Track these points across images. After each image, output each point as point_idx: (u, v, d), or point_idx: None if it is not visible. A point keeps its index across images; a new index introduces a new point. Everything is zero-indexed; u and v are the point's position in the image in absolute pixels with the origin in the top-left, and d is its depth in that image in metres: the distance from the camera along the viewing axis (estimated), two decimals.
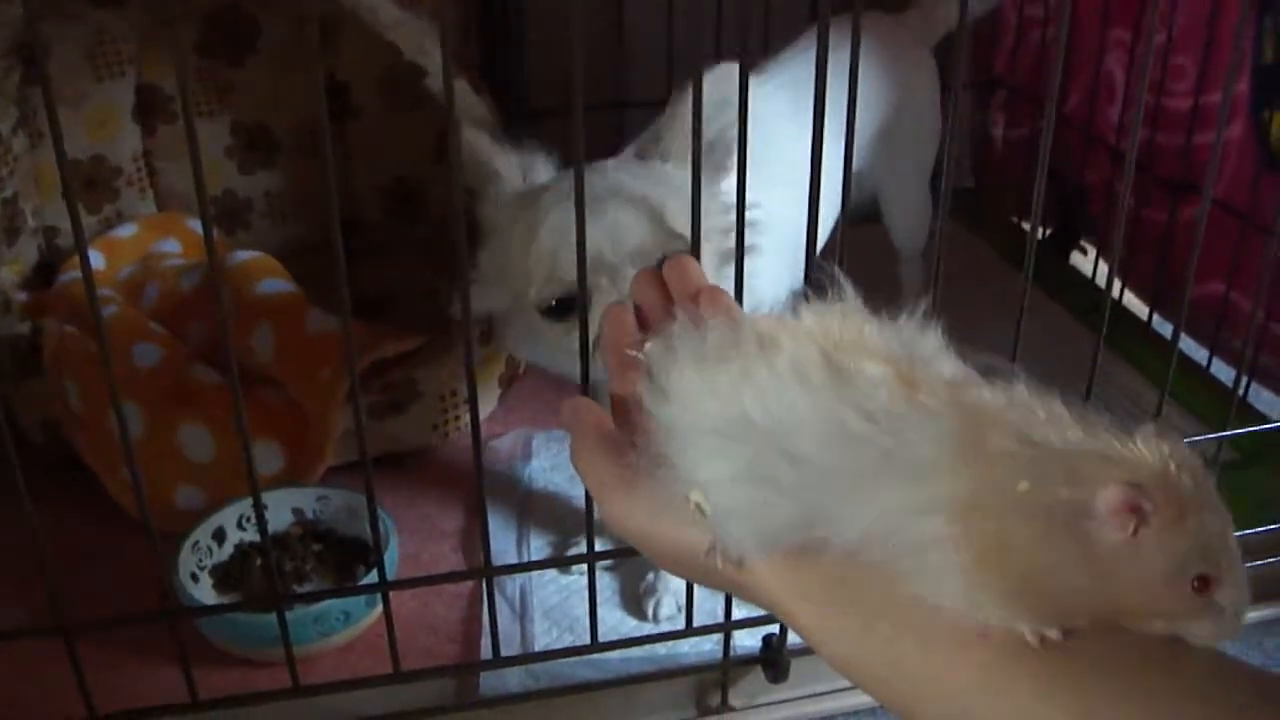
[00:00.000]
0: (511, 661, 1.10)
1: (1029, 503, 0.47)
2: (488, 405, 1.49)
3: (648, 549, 0.63)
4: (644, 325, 0.68)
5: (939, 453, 0.48)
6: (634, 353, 0.61)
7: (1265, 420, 1.45)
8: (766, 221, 0.99)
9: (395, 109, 1.72)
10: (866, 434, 0.50)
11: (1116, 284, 1.73)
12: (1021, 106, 1.92)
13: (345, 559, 1.24)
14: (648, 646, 1.14)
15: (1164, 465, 0.46)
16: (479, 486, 0.99)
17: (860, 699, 1.14)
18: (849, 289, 0.58)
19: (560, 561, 1.19)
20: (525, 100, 1.71)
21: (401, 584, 1.05)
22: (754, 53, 1.11)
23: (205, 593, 1.19)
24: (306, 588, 1.22)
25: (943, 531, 0.47)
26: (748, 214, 0.89)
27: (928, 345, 0.55)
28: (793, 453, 0.51)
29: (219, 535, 1.24)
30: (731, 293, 0.74)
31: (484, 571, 1.03)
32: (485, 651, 1.14)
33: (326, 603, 1.12)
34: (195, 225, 1.63)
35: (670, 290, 0.69)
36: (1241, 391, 1.43)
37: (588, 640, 1.10)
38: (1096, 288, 1.80)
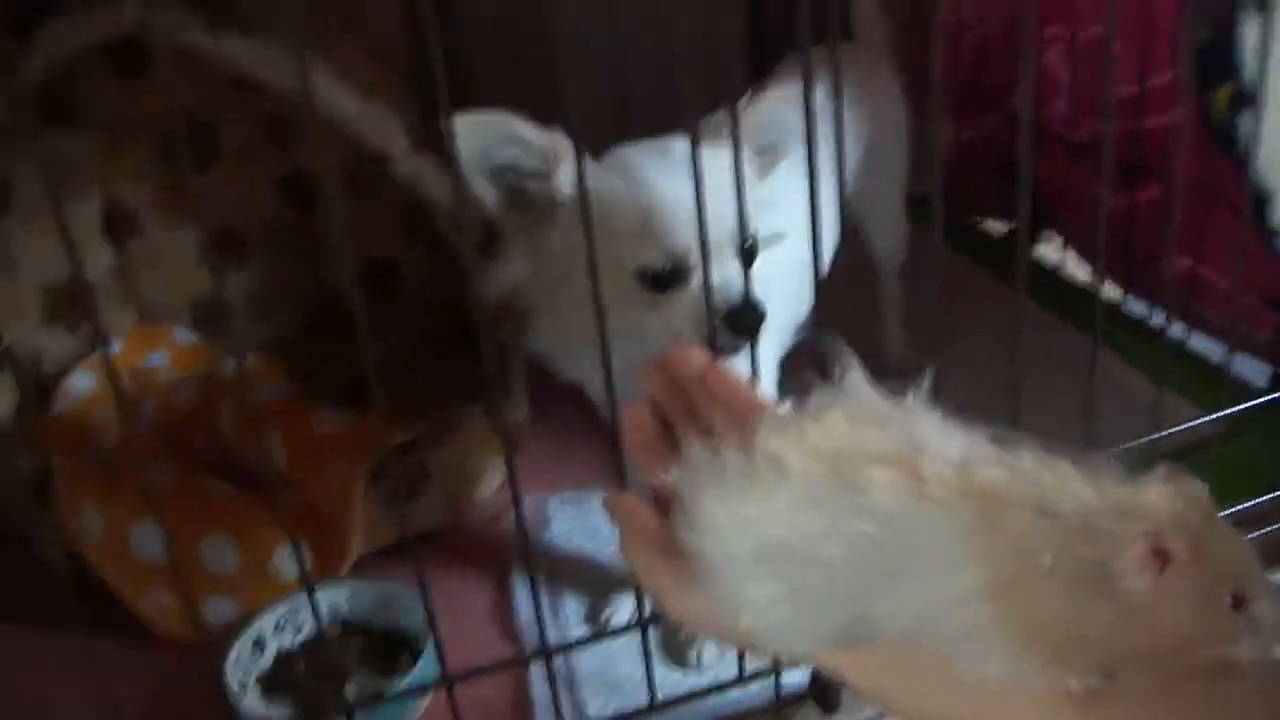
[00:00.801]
0: None
1: (1056, 573, 0.49)
2: (497, 476, 1.51)
3: (715, 635, 0.66)
4: (660, 418, 0.70)
5: (960, 543, 0.51)
6: (662, 478, 0.62)
7: (1248, 388, 1.50)
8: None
9: (361, 196, 1.74)
10: (886, 537, 0.52)
11: (1089, 272, 1.79)
12: (967, 107, 1.96)
13: (387, 650, 1.26)
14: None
15: (1173, 508, 0.49)
16: (528, 559, 1.02)
17: None
18: (854, 370, 0.61)
19: (614, 632, 1.20)
20: None
21: (463, 676, 1.06)
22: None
23: (254, 703, 1.20)
24: (353, 686, 1.23)
25: (981, 616, 0.50)
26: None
27: (929, 429, 0.56)
28: (824, 567, 0.53)
29: (259, 644, 1.25)
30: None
31: (544, 652, 1.05)
32: None
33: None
34: (182, 336, 1.65)
35: (679, 378, 0.71)
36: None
37: (640, 702, 1.12)
38: (1060, 277, 1.85)
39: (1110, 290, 1.72)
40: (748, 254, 1.06)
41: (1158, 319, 1.65)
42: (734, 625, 0.59)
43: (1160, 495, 0.50)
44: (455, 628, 1.29)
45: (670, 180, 1.03)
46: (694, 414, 0.69)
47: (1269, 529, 1.14)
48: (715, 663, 1.24)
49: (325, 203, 1.74)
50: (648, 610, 1.09)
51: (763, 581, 0.56)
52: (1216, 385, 1.42)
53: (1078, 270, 1.86)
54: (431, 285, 1.74)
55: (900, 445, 0.55)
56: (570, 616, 1.34)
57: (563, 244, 1.06)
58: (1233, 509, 1.25)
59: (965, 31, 1.92)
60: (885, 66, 1.54)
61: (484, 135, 1.03)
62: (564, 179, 1.06)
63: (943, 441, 0.55)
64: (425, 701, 1.18)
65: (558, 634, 1.31)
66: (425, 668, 1.17)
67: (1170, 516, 0.49)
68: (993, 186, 1.91)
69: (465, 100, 1.77)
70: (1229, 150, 1.46)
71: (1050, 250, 1.91)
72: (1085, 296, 1.69)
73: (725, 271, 1.03)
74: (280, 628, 1.26)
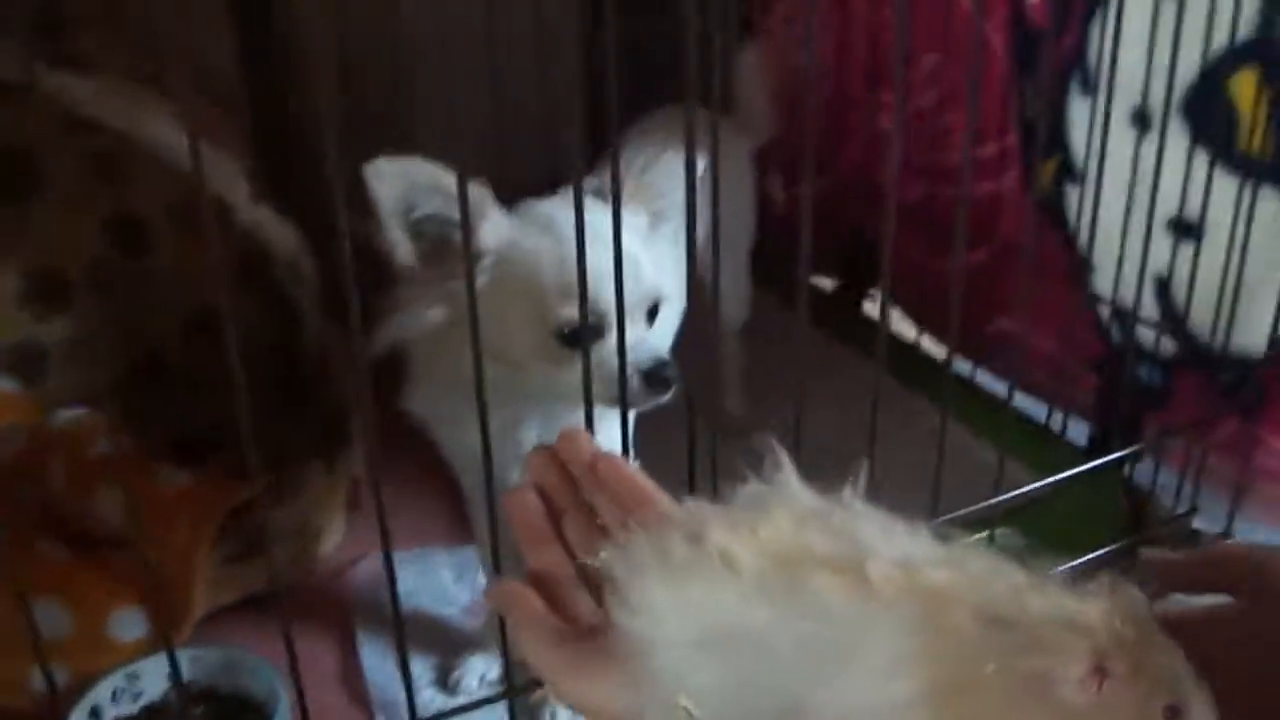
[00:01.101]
0: None
1: (999, 680, 0.50)
2: (336, 534, 1.48)
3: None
4: (547, 505, 0.69)
5: (904, 641, 0.51)
6: (591, 561, 0.62)
7: (1070, 446, 1.58)
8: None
9: (191, 239, 1.69)
10: (832, 636, 0.52)
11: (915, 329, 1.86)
12: (799, 165, 2.01)
13: (233, 717, 1.21)
14: None
15: (1114, 624, 0.51)
16: (399, 636, 1.00)
17: None
18: (786, 466, 0.60)
19: (482, 702, 1.16)
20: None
21: None
22: None
23: None
24: None
25: (919, 718, 0.51)
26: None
27: (872, 529, 0.57)
28: (769, 658, 0.54)
29: (96, 713, 1.19)
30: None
31: None
32: None
33: None
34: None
35: (566, 463, 0.70)
36: (1045, 422, 1.57)
37: None
38: (891, 334, 1.91)
39: (938, 349, 1.78)
40: (651, 314, 1.09)
41: (984, 379, 1.72)
42: (657, 711, 0.58)
43: (1101, 610, 0.51)
44: (309, 694, 1.27)
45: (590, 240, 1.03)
46: (581, 503, 0.68)
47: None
48: None
49: (155, 247, 1.69)
50: (516, 679, 1.08)
51: (705, 669, 0.55)
52: (1039, 441, 1.49)
53: (904, 327, 1.93)
54: (264, 337, 1.70)
55: (846, 548, 0.55)
56: (419, 677, 1.32)
57: (481, 295, 1.05)
58: (1068, 564, 1.31)
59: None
60: (735, 132, 1.57)
61: (405, 182, 1.01)
62: (487, 231, 1.05)
63: (886, 542, 0.56)
64: None
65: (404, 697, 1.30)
66: None
67: (1111, 633, 0.51)
68: (822, 244, 1.97)
69: (304, 151, 1.75)
70: (1054, 220, 1.53)
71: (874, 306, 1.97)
72: (912, 354, 1.77)
73: (638, 330, 1.07)
74: (117, 697, 1.21)
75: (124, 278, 1.66)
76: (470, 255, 0.86)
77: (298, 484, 1.39)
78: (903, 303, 1.87)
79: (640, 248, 1.10)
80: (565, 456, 0.70)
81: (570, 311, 1.03)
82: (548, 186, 1.19)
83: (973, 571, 0.53)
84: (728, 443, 0.99)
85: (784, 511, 0.57)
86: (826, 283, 2.13)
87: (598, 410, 0.98)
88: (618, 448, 1.10)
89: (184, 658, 1.24)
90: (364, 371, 0.90)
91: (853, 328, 1.89)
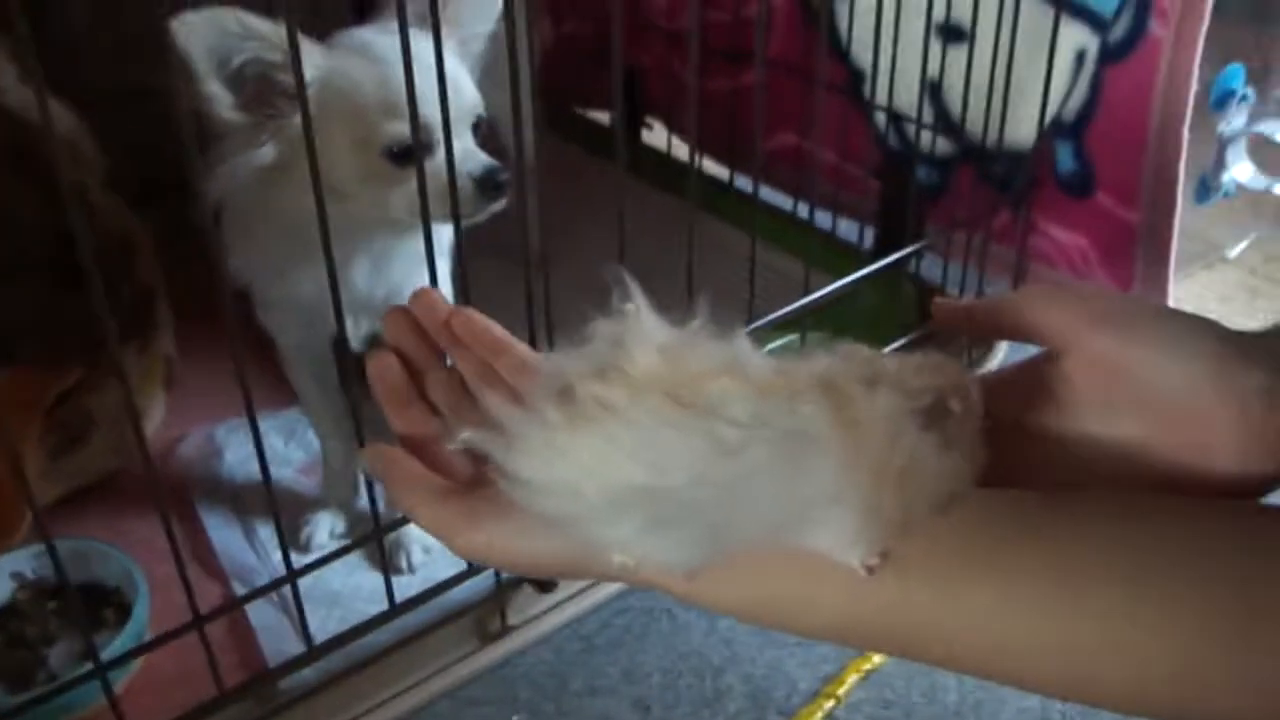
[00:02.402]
0: (326, 649, 1.12)
1: (896, 430, 0.54)
2: (157, 414, 1.46)
3: (516, 567, 0.68)
4: (406, 364, 0.70)
5: (821, 421, 0.54)
6: (456, 442, 0.62)
7: (851, 245, 1.67)
8: None
9: None
10: (746, 439, 0.53)
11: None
12: (567, 2, 2.02)
13: (88, 607, 1.21)
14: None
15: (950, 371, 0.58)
16: (268, 491, 1.00)
17: (621, 589, 1.25)
18: (640, 300, 0.61)
19: (352, 546, 1.16)
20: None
21: (217, 612, 1.05)
22: None
23: None
24: (58, 648, 1.18)
25: (842, 486, 0.53)
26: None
27: (738, 348, 0.58)
28: (689, 489, 0.54)
29: None
30: None
31: (290, 577, 1.05)
32: (272, 657, 1.17)
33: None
34: None
35: (421, 322, 0.71)
36: (830, 227, 1.65)
37: (367, 615, 1.15)
38: (670, 160, 1.96)
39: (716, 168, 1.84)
40: (475, 129, 1.13)
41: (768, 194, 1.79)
42: (574, 554, 0.60)
43: (940, 362, 0.59)
44: (158, 573, 1.27)
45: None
46: (440, 361, 0.70)
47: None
48: (425, 562, 1.29)
49: None
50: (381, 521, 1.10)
51: (623, 522, 0.55)
52: (828, 249, 1.57)
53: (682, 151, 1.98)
54: (33, 224, 1.63)
55: (718, 361, 0.57)
56: (266, 542, 1.33)
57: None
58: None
59: None
60: None
61: (215, 32, 0.98)
62: (306, 65, 1.04)
63: (755, 356, 0.58)
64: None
65: (256, 561, 1.31)
66: (138, 620, 1.14)
67: (959, 374, 0.58)
68: (592, 77, 1.99)
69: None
70: (826, 33, 1.59)
71: (656, 136, 2.01)
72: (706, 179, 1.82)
73: (464, 144, 1.09)
74: None
75: None
76: (302, 83, 0.85)
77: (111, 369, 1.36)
78: (684, 127, 1.91)
79: (458, 67, 1.11)
80: (420, 315, 0.71)
81: (397, 128, 1.04)
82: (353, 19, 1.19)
83: (823, 361, 0.57)
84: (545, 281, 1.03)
85: (645, 346, 0.58)
86: (603, 116, 2.15)
87: (420, 244, 0.99)
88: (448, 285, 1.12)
89: (27, 555, 1.23)
90: (216, 246, 0.89)
91: (635, 157, 1.93)
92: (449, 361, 0.71)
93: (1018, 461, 0.61)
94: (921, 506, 0.54)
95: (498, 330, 0.69)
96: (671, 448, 0.54)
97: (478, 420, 0.62)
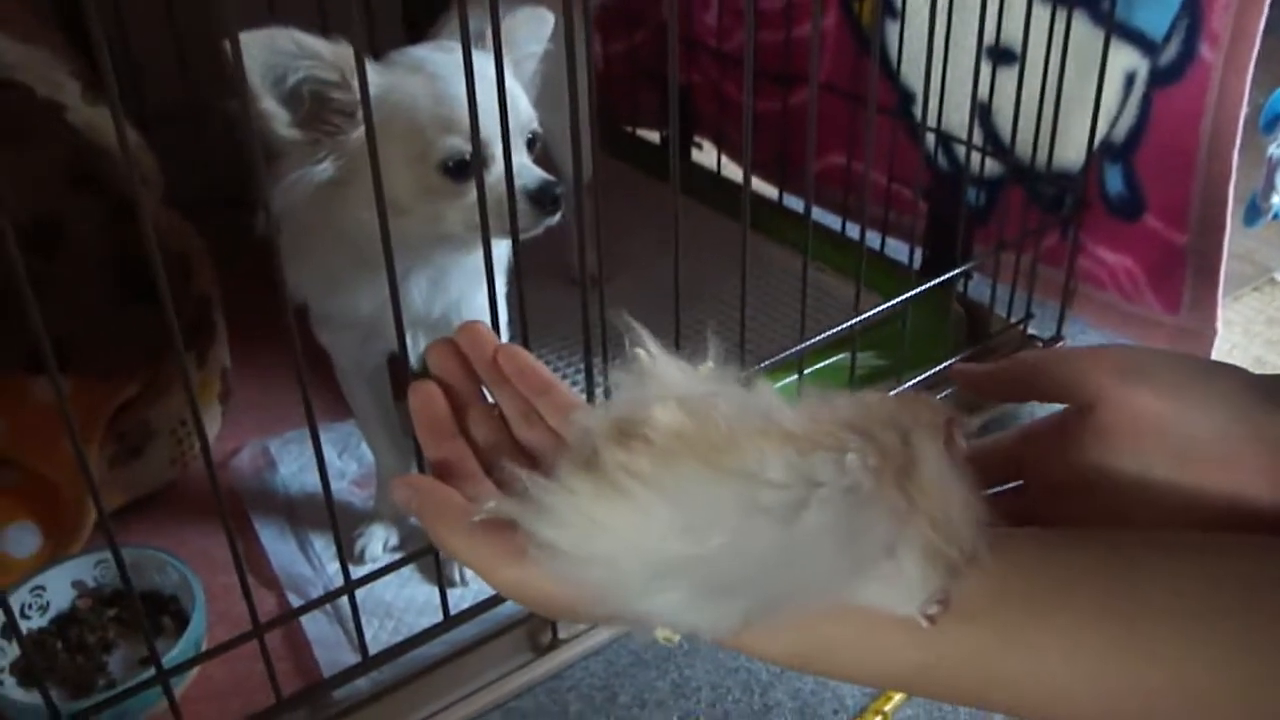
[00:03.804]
0: (381, 660, 1.13)
1: (943, 462, 0.55)
2: (214, 426, 1.49)
3: (551, 611, 0.64)
4: (450, 396, 0.69)
5: (868, 474, 0.52)
6: (482, 512, 0.59)
7: (899, 265, 1.67)
8: None
9: (19, 147, 1.63)
10: (797, 501, 0.52)
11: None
12: (617, 21, 2.04)
13: (146, 615, 1.23)
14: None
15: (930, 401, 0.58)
16: (328, 504, 1.02)
17: None
18: (652, 347, 0.61)
19: (408, 559, 1.17)
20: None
21: (275, 622, 1.07)
22: None
23: (13, 692, 1.15)
24: (117, 655, 1.21)
25: (890, 536, 0.52)
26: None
27: (757, 395, 0.58)
28: (734, 557, 0.52)
29: (6, 633, 1.18)
30: None
31: (348, 588, 1.06)
32: (326, 667, 1.19)
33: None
34: None
35: (468, 356, 0.70)
36: (878, 247, 1.66)
37: (419, 627, 1.16)
38: (721, 179, 1.98)
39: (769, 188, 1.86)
40: (530, 145, 1.14)
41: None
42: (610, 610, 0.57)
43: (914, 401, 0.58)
44: (213, 583, 1.29)
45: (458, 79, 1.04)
46: (482, 396, 0.70)
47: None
48: (476, 577, 1.30)
49: None
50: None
51: (666, 594, 0.53)
52: (876, 269, 1.57)
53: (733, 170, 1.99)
54: (97, 239, 1.66)
55: (751, 417, 0.55)
56: (321, 552, 1.35)
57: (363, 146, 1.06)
58: (918, 377, 1.42)
59: None
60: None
61: (271, 51, 1.00)
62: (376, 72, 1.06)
63: (781, 404, 0.57)
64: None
65: (311, 572, 1.33)
66: (197, 628, 1.16)
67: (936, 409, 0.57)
68: (645, 96, 2.02)
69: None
70: (877, 55, 1.60)
71: (706, 156, 2.03)
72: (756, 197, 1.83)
73: (520, 159, 1.10)
74: (25, 611, 1.21)
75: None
76: (368, 102, 0.86)
77: (172, 380, 1.39)
78: (734, 146, 1.93)
79: (514, 83, 1.12)
80: (466, 349, 0.70)
81: (454, 143, 1.06)
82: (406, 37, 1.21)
83: (845, 407, 0.56)
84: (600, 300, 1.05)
85: (665, 401, 0.56)
86: (651, 135, 2.17)
87: (477, 261, 1.00)
88: (500, 306, 1.13)
89: (88, 563, 1.26)
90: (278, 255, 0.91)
91: (684, 176, 1.95)
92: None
93: (1051, 513, 0.62)
94: (970, 544, 0.53)
95: (543, 370, 0.69)
96: (711, 515, 0.52)
97: (514, 460, 0.62)
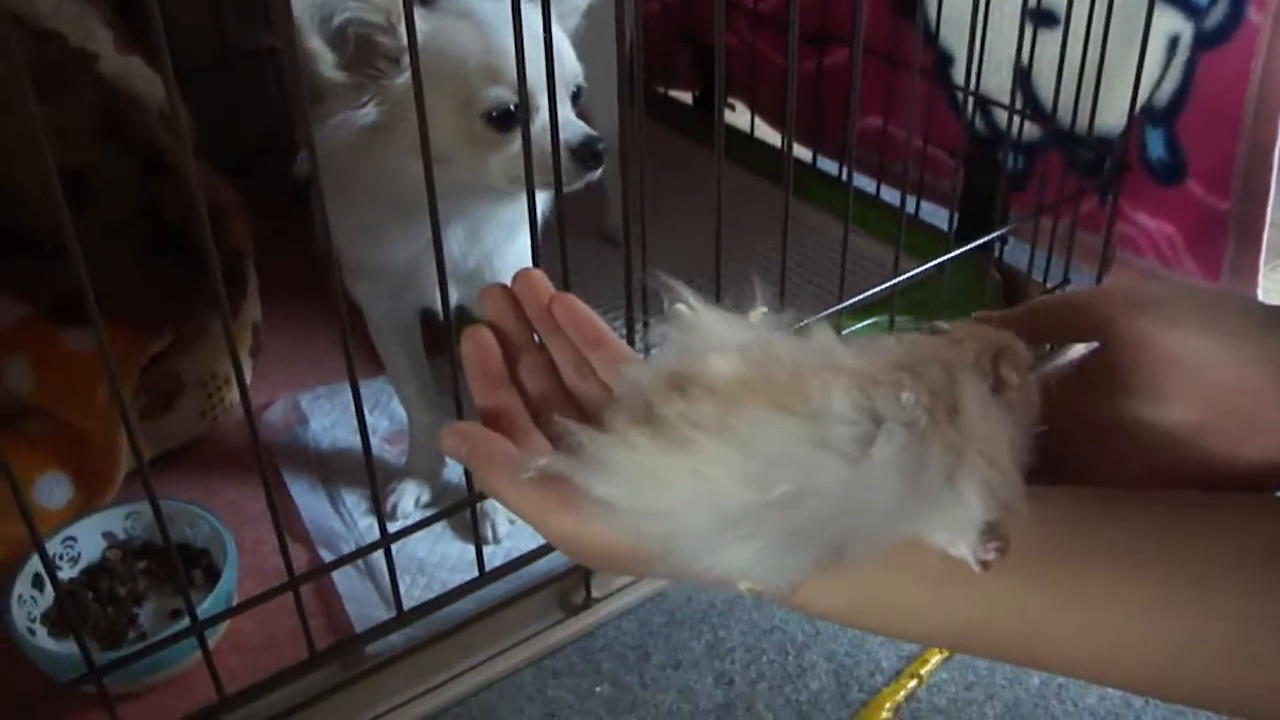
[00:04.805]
0: (415, 615, 1.13)
1: (989, 401, 0.55)
2: (245, 378, 1.48)
3: (608, 561, 0.61)
4: (502, 342, 0.68)
5: (922, 410, 0.52)
6: (531, 469, 0.58)
7: (935, 229, 1.66)
8: None
9: (46, 97, 1.62)
10: (864, 436, 0.51)
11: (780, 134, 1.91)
12: None
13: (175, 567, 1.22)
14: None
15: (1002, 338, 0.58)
16: (367, 459, 1.01)
17: None
18: (696, 304, 0.60)
19: (444, 514, 1.18)
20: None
21: (309, 575, 1.07)
22: None
23: (45, 642, 1.15)
24: (147, 607, 1.20)
25: (943, 465, 0.52)
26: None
27: (812, 341, 0.57)
28: (806, 500, 0.51)
29: (37, 582, 1.18)
30: None
31: (384, 541, 1.06)
32: (358, 622, 1.19)
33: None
34: None
35: (522, 303, 0.69)
36: (913, 210, 1.64)
37: (452, 583, 1.16)
38: (754, 140, 1.96)
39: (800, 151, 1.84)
40: (574, 98, 1.13)
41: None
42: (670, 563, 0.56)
43: (987, 332, 0.59)
44: (246, 536, 1.29)
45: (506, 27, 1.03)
46: (536, 344, 0.69)
47: None
48: (509, 534, 1.30)
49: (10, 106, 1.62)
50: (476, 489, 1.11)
51: (737, 547, 0.52)
52: (911, 231, 1.56)
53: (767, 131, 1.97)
54: (125, 191, 1.66)
55: (814, 359, 0.55)
56: (354, 507, 1.35)
57: (408, 91, 0.99)
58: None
59: None
60: None
61: None
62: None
63: (840, 345, 0.56)
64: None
65: (342, 528, 1.33)
66: (228, 580, 1.16)
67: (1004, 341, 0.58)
68: (678, 56, 2.00)
69: None
70: (913, 17, 1.59)
71: (737, 117, 2.01)
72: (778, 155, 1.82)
73: (564, 112, 1.08)
74: (57, 561, 1.21)
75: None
76: (415, 47, 0.85)
77: (203, 333, 1.38)
78: (767, 107, 1.91)
79: (560, 35, 1.11)
80: (520, 295, 0.69)
81: (499, 93, 1.05)
82: None
83: (894, 347, 0.56)
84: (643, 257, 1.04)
85: (722, 350, 0.56)
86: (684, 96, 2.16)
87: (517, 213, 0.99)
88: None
89: (119, 515, 1.25)
90: (321, 205, 0.89)
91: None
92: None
93: (1075, 457, 0.62)
94: (1017, 484, 0.53)
95: (597, 321, 0.68)
96: (781, 458, 0.51)
97: (565, 412, 0.61)
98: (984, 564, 0.53)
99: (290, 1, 0.96)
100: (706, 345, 0.57)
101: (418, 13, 1.04)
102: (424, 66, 0.88)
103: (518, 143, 0.97)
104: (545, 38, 0.91)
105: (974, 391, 0.54)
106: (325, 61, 1.02)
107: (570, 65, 1.12)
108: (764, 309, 0.60)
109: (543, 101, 0.96)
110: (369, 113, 1.05)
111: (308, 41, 1.00)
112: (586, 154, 1.08)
